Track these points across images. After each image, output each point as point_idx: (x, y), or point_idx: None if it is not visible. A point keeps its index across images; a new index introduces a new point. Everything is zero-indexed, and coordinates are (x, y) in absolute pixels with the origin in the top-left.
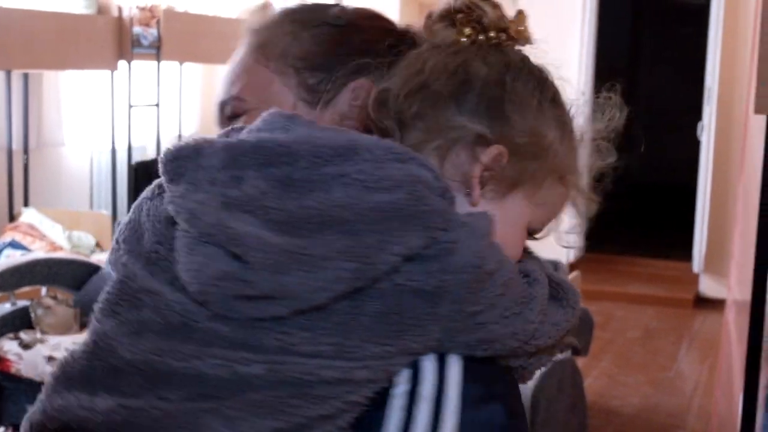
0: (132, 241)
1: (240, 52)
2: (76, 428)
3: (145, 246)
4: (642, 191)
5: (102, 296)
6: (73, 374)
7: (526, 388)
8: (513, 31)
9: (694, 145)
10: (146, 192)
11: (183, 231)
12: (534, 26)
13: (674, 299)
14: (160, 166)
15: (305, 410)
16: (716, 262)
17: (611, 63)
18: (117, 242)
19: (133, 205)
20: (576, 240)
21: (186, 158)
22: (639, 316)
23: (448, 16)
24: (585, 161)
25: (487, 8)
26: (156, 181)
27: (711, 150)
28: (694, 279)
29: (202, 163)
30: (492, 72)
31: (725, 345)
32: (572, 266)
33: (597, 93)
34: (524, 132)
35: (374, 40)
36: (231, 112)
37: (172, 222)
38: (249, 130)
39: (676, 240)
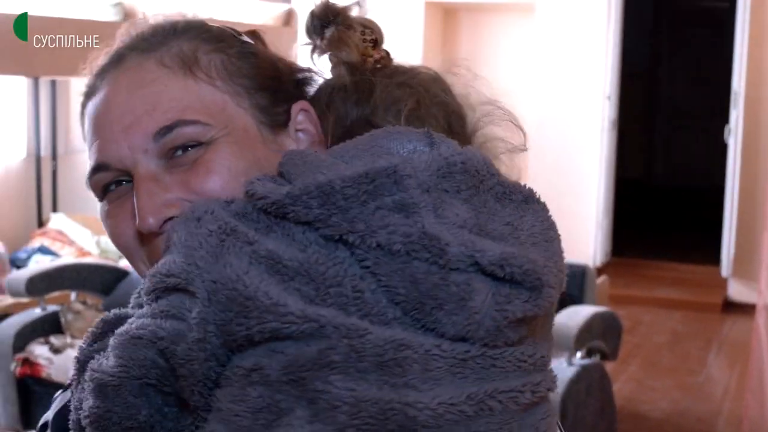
0: (290, 292)
1: (147, 70)
2: None
3: (317, 294)
4: (667, 195)
5: (311, 358)
6: None
7: (556, 393)
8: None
9: (719, 148)
10: (242, 240)
11: (403, 263)
12: (560, 32)
13: (702, 303)
14: (305, 200)
15: (552, 430)
16: (745, 265)
17: (632, 68)
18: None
19: (220, 263)
20: None
21: (370, 183)
22: (666, 321)
23: (343, 37)
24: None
25: (377, 27)
26: (228, 226)
27: (738, 152)
28: (723, 283)
29: (406, 184)
30: (446, 93)
31: (756, 349)
32: (599, 270)
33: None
34: None
35: (278, 59)
36: (184, 140)
37: (338, 262)
38: (381, 147)
39: (704, 244)
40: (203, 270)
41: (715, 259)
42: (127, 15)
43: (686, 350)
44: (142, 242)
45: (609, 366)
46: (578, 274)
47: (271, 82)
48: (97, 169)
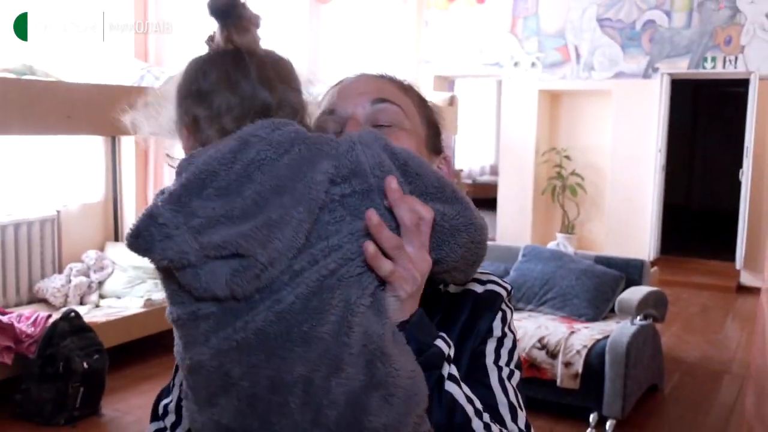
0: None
1: (381, 81)
2: None
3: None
4: (701, 215)
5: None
6: None
7: (622, 343)
8: None
9: (736, 185)
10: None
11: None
12: (629, 108)
13: (723, 287)
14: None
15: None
16: (752, 261)
17: (678, 131)
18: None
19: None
20: None
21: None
22: (698, 298)
23: None
24: None
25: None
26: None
27: (748, 188)
28: (737, 273)
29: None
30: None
31: (760, 318)
32: (653, 263)
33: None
34: None
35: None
36: (386, 115)
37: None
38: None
39: (724, 247)
40: None
41: (731, 257)
42: None
43: (711, 318)
44: None
45: (658, 326)
46: (638, 265)
47: (433, 128)
48: (328, 112)
